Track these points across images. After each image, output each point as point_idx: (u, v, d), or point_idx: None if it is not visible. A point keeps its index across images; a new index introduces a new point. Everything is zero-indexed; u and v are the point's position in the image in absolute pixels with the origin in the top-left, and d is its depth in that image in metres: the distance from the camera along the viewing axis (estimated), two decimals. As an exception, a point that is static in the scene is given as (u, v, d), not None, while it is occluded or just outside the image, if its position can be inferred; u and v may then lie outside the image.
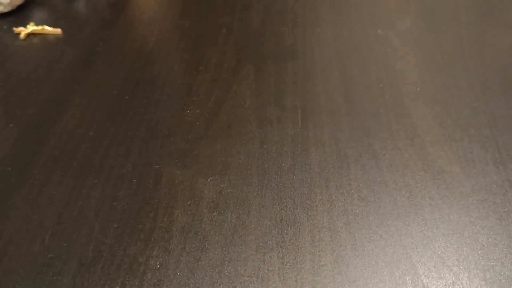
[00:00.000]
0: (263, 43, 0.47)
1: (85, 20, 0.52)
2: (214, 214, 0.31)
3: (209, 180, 0.33)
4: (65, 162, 0.35)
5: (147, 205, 0.32)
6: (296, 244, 0.29)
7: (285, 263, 0.28)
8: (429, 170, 0.33)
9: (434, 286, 0.27)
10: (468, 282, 0.27)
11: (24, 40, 0.49)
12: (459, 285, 0.27)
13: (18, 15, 0.53)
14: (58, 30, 0.50)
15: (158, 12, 0.53)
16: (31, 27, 0.49)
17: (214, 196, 0.32)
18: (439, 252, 0.28)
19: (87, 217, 0.31)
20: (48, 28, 0.49)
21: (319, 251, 0.29)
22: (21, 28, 0.49)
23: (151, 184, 0.33)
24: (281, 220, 0.30)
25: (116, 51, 0.47)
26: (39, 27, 0.49)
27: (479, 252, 0.28)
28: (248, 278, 0.27)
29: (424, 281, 0.27)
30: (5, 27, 0.51)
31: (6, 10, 0.52)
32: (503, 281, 0.27)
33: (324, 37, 0.47)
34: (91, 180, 0.34)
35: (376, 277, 0.27)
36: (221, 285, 0.27)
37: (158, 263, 0.28)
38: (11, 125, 0.39)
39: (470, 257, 0.28)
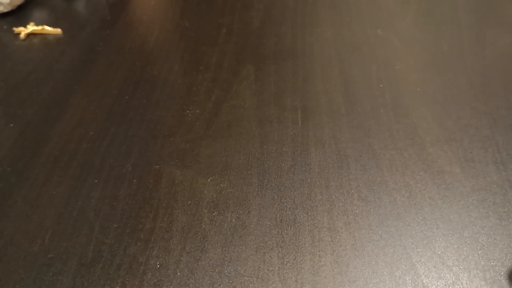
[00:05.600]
0: (263, 43, 0.47)
1: (85, 20, 0.52)
2: (214, 214, 0.31)
3: (209, 180, 0.33)
4: (65, 162, 0.35)
5: (147, 205, 0.32)
6: (296, 244, 0.29)
7: (285, 263, 0.28)
8: (429, 170, 0.33)
9: (434, 286, 0.27)
10: (468, 282, 0.27)
11: (24, 40, 0.49)
12: (459, 285, 0.27)
13: (18, 15, 0.53)
14: (58, 30, 0.50)
15: (158, 12, 0.53)
16: (31, 27, 0.49)
17: (214, 196, 0.32)
18: (439, 252, 0.28)
19: (87, 217, 0.31)
20: (48, 28, 0.49)
21: (319, 251, 0.29)
22: (21, 28, 0.49)
23: (151, 184, 0.33)
24: (281, 220, 0.30)
25: (116, 51, 0.47)
26: (39, 27, 0.49)
27: (479, 252, 0.28)
28: (248, 278, 0.27)
29: (424, 281, 0.27)
30: (5, 27, 0.51)
31: (6, 10, 0.52)
32: (503, 281, 0.27)
33: (324, 37, 0.47)
34: (91, 180, 0.34)
35: (376, 277, 0.27)
36: (221, 285, 0.27)
37: (158, 263, 0.28)
38: (11, 125, 0.39)
39: (470, 257, 0.28)
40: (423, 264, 0.28)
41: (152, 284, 0.27)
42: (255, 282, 0.27)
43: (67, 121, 0.39)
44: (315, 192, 0.32)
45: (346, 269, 0.28)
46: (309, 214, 0.31)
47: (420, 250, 0.29)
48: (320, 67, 0.43)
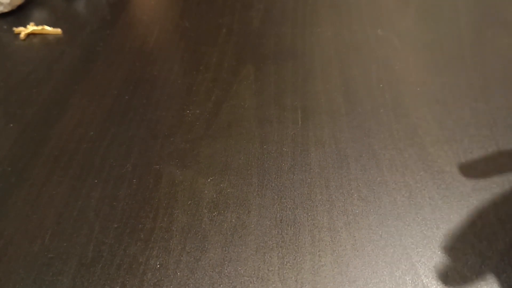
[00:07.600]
0: (263, 43, 0.47)
1: (85, 20, 0.52)
2: (214, 214, 0.31)
3: (209, 180, 0.33)
4: (65, 162, 0.35)
5: (147, 205, 0.32)
6: (296, 244, 0.29)
7: (285, 263, 0.28)
8: (429, 170, 0.33)
9: (434, 286, 0.27)
10: (468, 282, 0.27)
11: (24, 40, 0.49)
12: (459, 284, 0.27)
13: (18, 15, 0.53)
14: (58, 30, 0.50)
15: (158, 12, 0.53)
16: (31, 27, 0.49)
17: (214, 196, 0.32)
18: (439, 252, 0.28)
19: (87, 217, 0.31)
20: (48, 28, 0.49)
21: (319, 251, 0.29)
22: (21, 28, 0.49)
23: (151, 184, 0.33)
24: (281, 220, 0.30)
25: (116, 51, 0.47)
26: (39, 27, 0.49)
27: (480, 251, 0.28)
28: (248, 278, 0.27)
29: (424, 281, 0.27)
30: (5, 27, 0.51)
31: (6, 10, 0.52)
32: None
33: (324, 37, 0.47)
34: (91, 180, 0.34)
35: (376, 277, 0.27)
36: (221, 285, 0.27)
37: (158, 263, 0.28)
38: (11, 125, 0.38)
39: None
40: (423, 264, 0.28)
41: (152, 284, 0.27)
42: (255, 282, 0.27)
43: (67, 121, 0.39)
44: (315, 192, 0.32)
45: (346, 269, 0.28)
46: (309, 214, 0.31)
47: (420, 250, 0.29)
48: (320, 67, 0.43)
